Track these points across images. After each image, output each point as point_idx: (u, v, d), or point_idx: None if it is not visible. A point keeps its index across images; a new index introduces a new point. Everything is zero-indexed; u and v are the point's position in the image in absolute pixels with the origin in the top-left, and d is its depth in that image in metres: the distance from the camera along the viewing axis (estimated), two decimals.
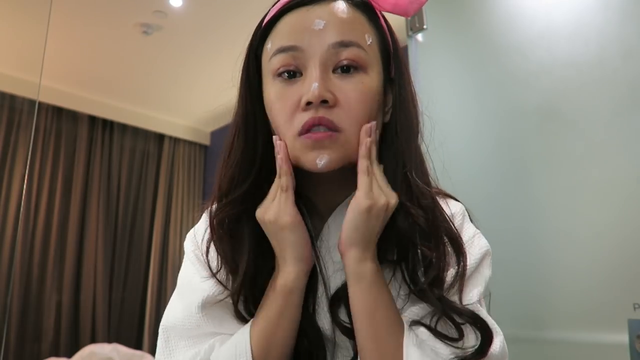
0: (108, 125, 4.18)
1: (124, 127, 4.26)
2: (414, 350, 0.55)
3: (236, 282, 0.62)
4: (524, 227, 1.32)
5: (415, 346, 0.56)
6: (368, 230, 0.58)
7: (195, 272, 0.66)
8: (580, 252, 1.21)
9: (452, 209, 0.65)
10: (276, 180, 0.61)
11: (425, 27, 1.61)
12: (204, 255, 0.65)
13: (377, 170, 0.60)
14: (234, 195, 0.62)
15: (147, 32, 3.14)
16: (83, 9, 2.92)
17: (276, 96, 0.61)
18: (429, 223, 0.59)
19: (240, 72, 0.67)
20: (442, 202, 0.64)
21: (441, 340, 0.57)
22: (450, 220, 0.62)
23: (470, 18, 1.55)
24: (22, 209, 3.56)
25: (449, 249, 0.60)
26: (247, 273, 0.62)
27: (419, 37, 1.63)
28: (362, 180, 0.58)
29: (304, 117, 0.58)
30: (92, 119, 4.08)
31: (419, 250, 0.59)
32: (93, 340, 3.71)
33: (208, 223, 0.65)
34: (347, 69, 0.59)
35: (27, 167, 3.59)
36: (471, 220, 0.68)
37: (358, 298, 0.58)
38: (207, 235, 0.66)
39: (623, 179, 1.16)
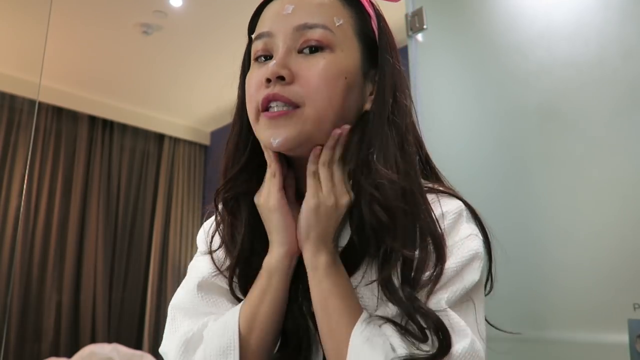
0: (108, 125, 4.18)
1: (124, 127, 4.27)
2: (360, 342, 0.55)
3: (232, 260, 0.66)
4: (524, 227, 1.32)
5: (363, 338, 0.55)
6: (320, 228, 0.60)
7: (199, 255, 0.73)
8: (580, 251, 1.20)
9: (444, 207, 0.63)
10: (268, 168, 0.65)
11: (425, 27, 1.60)
12: (208, 238, 0.70)
13: (336, 171, 0.61)
14: (232, 173, 0.67)
15: (147, 32, 3.14)
16: (83, 9, 2.92)
17: (249, 77, 0.65)
18: (392, 217, 0.58)
19: (241, 63, 0.71)
20: (435, 202, 0.63)
21: (405, 337, 0.55)
22: (436, 218, 0.61)
23: (470, 18, 1.55)
24: (22, 209, 3.56)
25: (430, 247, 0.58)
26: (242, 251, 0.65)
27: (419, 37, 1.63)
28: (308, 182, 0.62)
29: (263, 93, 0.61)
30: (92, 119, 4.08)
31: (387, 246, 0.58)
32: (93, 340, 3.71)
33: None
34: (314, 50, 0.61)
35: (27, 167, 3.59)
36: (476, 220, 0.65)
37: (313, 289, 0.60)
38: (214, 224, 0.71)
39: (623, 179, 1.16)
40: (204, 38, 3.22)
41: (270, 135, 0.60)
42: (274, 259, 0.63)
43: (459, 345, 0.54)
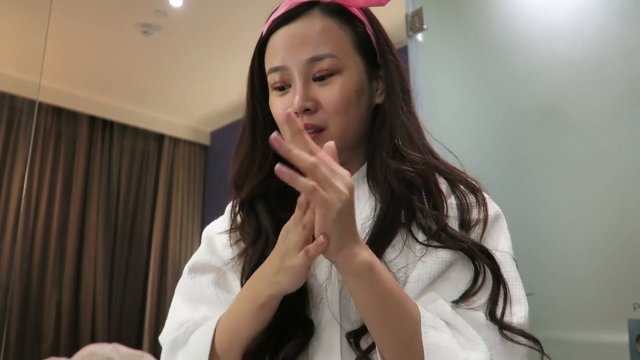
0: (108, 125, 4.18)
1: (124, 127, 4.26)
2: (433, 333, 0.58)
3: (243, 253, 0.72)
4: (524, 227, 1.32)
5: (434, 329, 0.59)
6: (336, 233, 0.56)
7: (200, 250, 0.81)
8: (580, 252, 1.21)
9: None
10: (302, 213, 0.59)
11: (425, 27, 1.60)
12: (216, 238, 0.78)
13: (325, 171, 0.55)
14: (247, 178, 0.74)
15: (147, 32, 3.14)
16: (83, 9, 2.92)
17: (274, 105, 0.73)
18: (423, 179, 0.67)
19: (247, 82, 0.78)
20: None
21: (459, 306, 0.62)
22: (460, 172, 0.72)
23: (470, 18, 1.55)
24: (22, 209, 3.56)
25: (469, 198, 0.67)
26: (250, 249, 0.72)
27: (419, 37, 1.63)
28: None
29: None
30: (92, 119, 4.08)
31: (418, 206, 0.66)
32: (93, 340, 3.71)
33: (228, 214, 0.78)
34: (328, 74, 0.70)
35: (27, 167, 3.59)
36: None
37: (362, 293, 0.59)
38: (224, 225, 0.78)
39: (623, 179, 1.16)
40: (204, 38, 3.22)
41: None
42: (269, 293, 0.61)
43: (519, 311, 0.66)
